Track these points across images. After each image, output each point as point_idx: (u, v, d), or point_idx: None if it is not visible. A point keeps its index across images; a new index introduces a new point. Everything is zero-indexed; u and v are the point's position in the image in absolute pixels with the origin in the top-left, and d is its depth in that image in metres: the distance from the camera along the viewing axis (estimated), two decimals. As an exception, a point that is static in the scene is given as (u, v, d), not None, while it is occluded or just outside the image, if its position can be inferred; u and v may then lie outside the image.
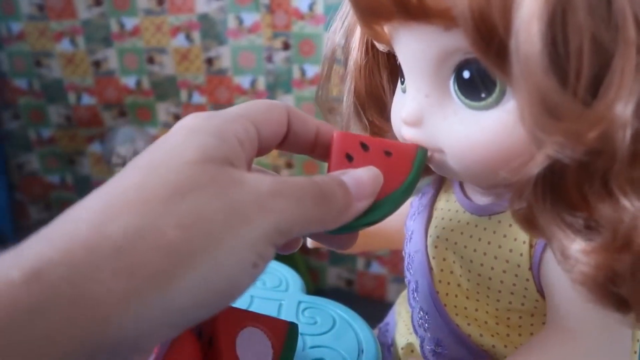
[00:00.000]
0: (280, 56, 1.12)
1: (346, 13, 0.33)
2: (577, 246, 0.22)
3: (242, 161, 0.22)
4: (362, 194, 0.24)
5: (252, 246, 0.19)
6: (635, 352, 0.30)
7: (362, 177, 0.24)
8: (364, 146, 0.26)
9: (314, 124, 0.27)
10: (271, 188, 0.20)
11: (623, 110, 0.19)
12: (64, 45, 1.18)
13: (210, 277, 0.18)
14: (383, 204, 0.25)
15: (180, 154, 0.20)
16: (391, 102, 0.32)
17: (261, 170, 0.27)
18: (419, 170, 0.26)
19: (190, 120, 0.22)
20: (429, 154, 0.28)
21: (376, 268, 1.24)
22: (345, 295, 1.26)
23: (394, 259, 1.20)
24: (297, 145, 0.27)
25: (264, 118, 0.24)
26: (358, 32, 0.32)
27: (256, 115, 0.24)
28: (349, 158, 0.25)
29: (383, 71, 0.33)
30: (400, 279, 1.22)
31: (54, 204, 1.37)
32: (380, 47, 0.30)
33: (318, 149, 0.27)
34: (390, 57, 0.32)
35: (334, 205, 0.22)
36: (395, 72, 0.32)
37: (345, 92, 0.35)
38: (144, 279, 0.17)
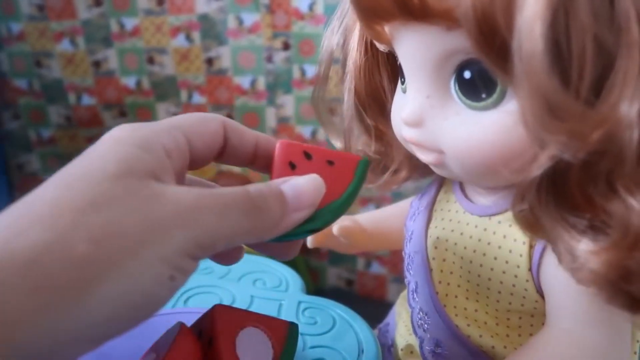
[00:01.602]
0: (280, 56, 1.12)
1: (344, 13, 0.33)
2: (584, 246, 0.22)
3: (168, 173, 0.21)
4: (302, 204, 0.23)
5: (168, 260, 0.19)
6: (635, 353, 0.30)
7: (303, 187, 0.24)
8: (307, 155, 0.26)
9: (253, 136, 0.26)
10: (194, 201, 0.20)
11: (628, 110, 0.19)
12: (64, 46, 1.18)
13: (123, 291, 0.18)
14: (323, 213, 0.25)
15: (101, 167, 0.20)
16: (391, 102, 0.32)
17: (197, 181, 0.27)
18: (360, 180, 0.26)
19: (117, 132, 0.22)
20: (431, 159, 0.28)
21: (376, 268, 1.24)
22: (345, 295, 1.26)
23: (394, 259, 1.20)
24: (235, 157, 0.27)
25: (196, 130, 0.24)
26: (357, 31, 0.32)
27: (188, 127, 0.24)
28: (292, 166, 0.26)
29: (383, 71, 0.33)
30: (400, 279, 1.21)
31: (54, 204, 1.36)
32: (381, 47, 0.30)
33: (258, 161, 0.27)
34: (390, 56, 0.32)
35: (266, 217, 0.22)
36: (395, 72, 0.32)
37: (346, 93, 0.35)
38: (53, 293, 0.17)
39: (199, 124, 0.24)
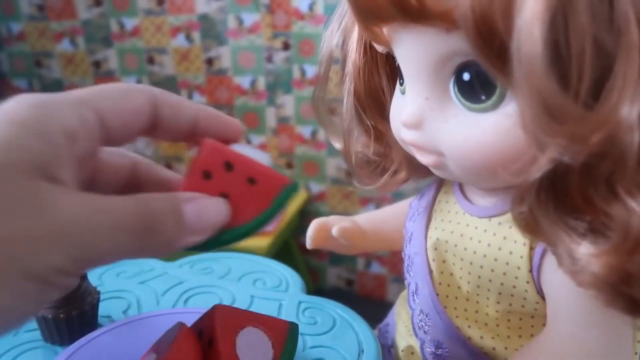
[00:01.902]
0: (280, 56, 1.12)
1: (343, 14, 0.33)
2: (584, 249, 0.22)
3: (64, 164, 0.19)
4: (199, 230, 0.21)
5: (38, 278, 0.17)
6: (636, 354, 0.30)
7: (206, 213, 0.21)
8: (229, 166, 0.23)
9: (192, 111, 0.24)
10: (82, 216, 0.18)
11: (628, 113, 0.19)
12: (64, 46, 1.18)
13: None
14: (220, 237, 0.22)
15: None
16: (391, 103, 0.32)
17: (121, 154, 0.25)
18: (276, 208, 0.24)
19: (14, 106, 0.19)
20: (431, 161, 0.27)
21: (376, 268, 1.25)
22: (345, 295, 1.26)
23: (394, 259, 1.20)
24: (170, 133, 0.24)
25: (114, 105, 0.21)
26: (356, 32, 0.32)
27: (104, 102, 0.21)
28: (207, 176, 0.23)
29: (382, 72, 0.33)
30: (400, 279, 1.22)
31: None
32: (379, 48, 0.30)
33: (198, 137, 0.24)
34: (389, 57, 0.32)
35: (158, 238, 0.20)
36: (394, 73, 0.32)
37: (345, 93, 0.35)
38: None
39: (118, 98, 0.22)
